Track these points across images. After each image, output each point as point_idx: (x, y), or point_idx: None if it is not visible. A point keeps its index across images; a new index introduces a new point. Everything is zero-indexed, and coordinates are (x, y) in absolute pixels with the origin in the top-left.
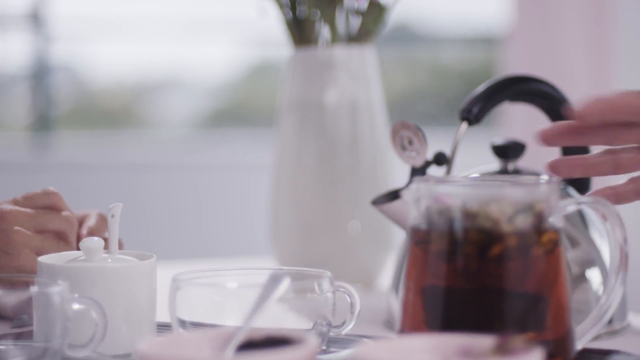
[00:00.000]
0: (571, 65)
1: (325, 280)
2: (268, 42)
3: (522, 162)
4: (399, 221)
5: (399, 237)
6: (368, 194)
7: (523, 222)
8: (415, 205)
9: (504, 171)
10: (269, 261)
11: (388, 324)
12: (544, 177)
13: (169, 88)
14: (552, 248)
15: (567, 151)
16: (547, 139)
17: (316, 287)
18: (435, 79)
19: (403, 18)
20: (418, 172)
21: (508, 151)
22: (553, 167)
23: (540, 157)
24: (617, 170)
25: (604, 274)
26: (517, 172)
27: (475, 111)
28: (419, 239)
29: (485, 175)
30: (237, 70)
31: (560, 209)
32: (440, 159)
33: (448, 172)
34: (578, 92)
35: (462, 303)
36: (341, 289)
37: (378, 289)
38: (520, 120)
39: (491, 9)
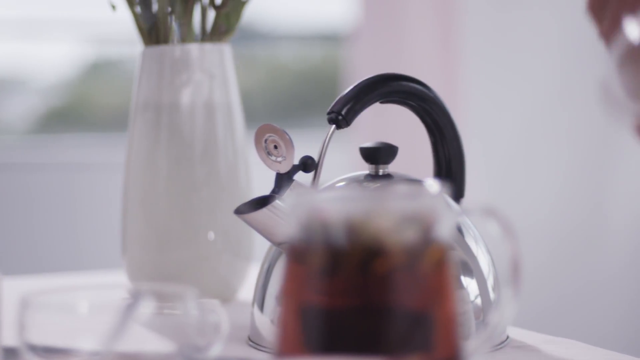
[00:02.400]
0: (419, 62)
1: (190, 299)
2: (111, 40)
3: (393, 166)
4: (264, 231)
5: (261, 248)
6: (227, 201)
7: (409, 235)
8: (293, 217)
9: (374, 176)
10: (121, 276)
11: (252, 341)
12: (430, 186)
13: (6, 88)
14: (440, 262)
15: (437, 153)
16: None
17: (180, 306)
18: (277, 78)
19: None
20: (284, 178)
21: (378, 155)
22: None
23: (412, 160)
24: None
25: (481, 283)
26: (388, 176)
27: (344, 113)
28: (297, 254)
29: (356, 181)
30: (76, 68)
31: (448, 220)
32: (308, 164)
33: (315, 177)
34: None
35: (345, 323)
36: (206, 307)
37: (239, 302)
38: (391, 121)
39: (335, 7)
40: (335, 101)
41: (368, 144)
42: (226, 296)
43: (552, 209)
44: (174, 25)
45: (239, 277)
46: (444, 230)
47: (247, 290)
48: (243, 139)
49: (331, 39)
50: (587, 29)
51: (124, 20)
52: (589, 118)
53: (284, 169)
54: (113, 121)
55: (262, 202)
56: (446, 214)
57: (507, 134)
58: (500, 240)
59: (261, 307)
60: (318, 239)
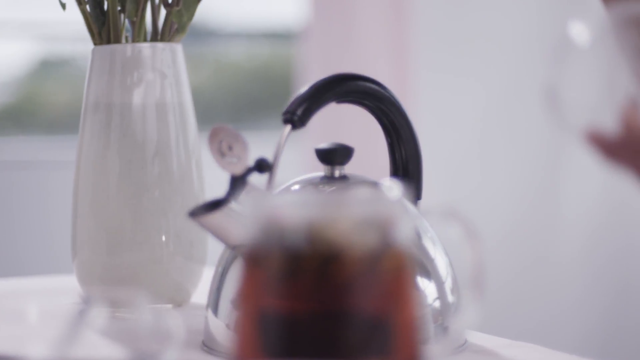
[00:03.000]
0: (370, 61)
1: (143, 303)
2: (62, 37)
3: (350, 168)
4: (218, 234)
5: (215, 251)
6: (179, 203)
7: (368, 239)
8: (251, 221)
9: (330, 178)
10: (72, 280)
11: (206, 346)
12: (389, 189)
13: None
14: (400, 266)
15: (393, 154)
16: None
17: (133, 311)
18: (226, 77)
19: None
20: (238, 180)
21: (334, 156)
22: None
23: (368, 161)
24: None
25: (439, 286)
26: (344, 178)
27: (300, 113)
28: (255, 258)
29: (312, 184)
30: (26, 67)
31: (407, 223)
32: (262, 166)
33: (271, 179)
34: None
35: (303, 328)
36: (160, 312)
37: (193, 306)
38: (347, 122)
39: (286, 5)
40: (290, 101)
41: (323, 145)
42: (179, 300)
43: (506, 210)
44: (125, 24)
45: (192, 280)
46: (403, 234)
47: (200, 294)
48: (195, 139)
49: (282, 37)
50: (539, 29)
51: (76, 18)
52: (540, 117)
53: (239, 170)
54: (63, 120)
55: (216, 205)
56: (405, 217)
57: (458, 133)
58: (461, 243)
59: (215, 311)
60: (276, 243)
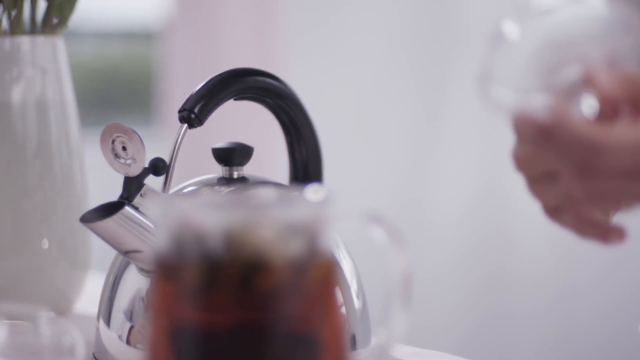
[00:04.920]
0: (237, 57)
1: (43, 319)
2: None
3: (249, 168)
4: (112, 241)
5: (102, 255)
6: (62, 206)
7: (294, 246)
8: (162, 228)
9: (228, 179)
10: None
11: (97, 358)
12: (315, 191)
13: None
14: (327, 276)
15: (293, 154)
16: None
17: (25, 324)
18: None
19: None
20: (134, 182)
21: (232, 156)
22: None
23: (267, 162)
24: None
25: (344, 290)
26: (243, 179)
27: (197, 111)
28: (168, 269)
29: (209, 185)
30: None
31: (333, 228)
32: (158, 167)
33: (167, 181)
34: None
35: (222, 344)
36: (59, 328)
37: (77, 315)
38: (246, 120)
39: (147, 3)
40: (187, 98)
41: (221, 144)
42: (62, 308)
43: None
44: (3, 17)
45: (75, 287)
46: (329, 241)
47: (84, 302)
48: (79, 139)
49: (138, 36)
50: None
51: None
52: (414, 115)
53: (134, 172)
54: None
55: (110, 209)
56: (331, 222)
57: (332, 130)
58: (385, 249)
59: (107, 322)
60: (192, 252)
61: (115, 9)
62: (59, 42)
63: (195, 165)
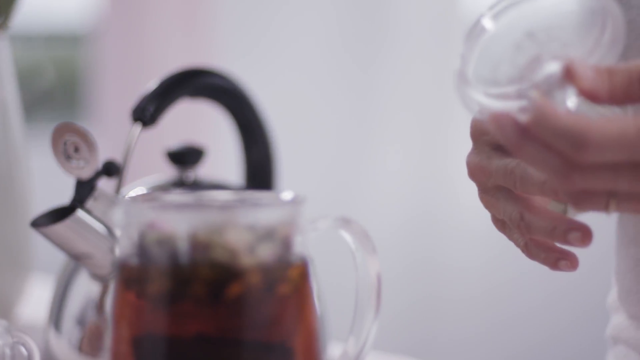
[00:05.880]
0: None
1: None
2: None
3: (202, 170)
4: (64, 245)
5: (46, 259)
6: (4, 208)
7: (267, 252)
8: (124, 233)
9: (181, 181)
10: None
11: None
12: (287, 194)
13: None
14: (301, 284)
15: (247, 155)
16: None
17: None
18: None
19: None
20: (86, 185)
21: (185, 157)
22: None
23: (220, 163)
24: None
25: None
26: (196, 181)
27: (151, 110)
28: (131, 277)
29: (162, 187)
30: None
31: (306, 233)
32: (111, 169)
33: (119, 184)
34: None
35: (190, 356)
36: (17, 341)
37: (20, 319)
38: (199, 120)
39: (73, 6)
40: (140, 98)
41: (174, 145)
42: (2, 312)
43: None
44: None
45: (17, 290)
46: (304, 245)
47: (28, 307)
48: (22, 139)
49: (67, 38)
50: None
51: None
52: (352, 113)
53: (87, 174)
54: None
55: (61, 213)
56: (305, 227)
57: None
58: (356, 254)
59: (58, 328)
60: (156, 259)
61: (40, 11)
62: (1, 42)
63: (142, 167)
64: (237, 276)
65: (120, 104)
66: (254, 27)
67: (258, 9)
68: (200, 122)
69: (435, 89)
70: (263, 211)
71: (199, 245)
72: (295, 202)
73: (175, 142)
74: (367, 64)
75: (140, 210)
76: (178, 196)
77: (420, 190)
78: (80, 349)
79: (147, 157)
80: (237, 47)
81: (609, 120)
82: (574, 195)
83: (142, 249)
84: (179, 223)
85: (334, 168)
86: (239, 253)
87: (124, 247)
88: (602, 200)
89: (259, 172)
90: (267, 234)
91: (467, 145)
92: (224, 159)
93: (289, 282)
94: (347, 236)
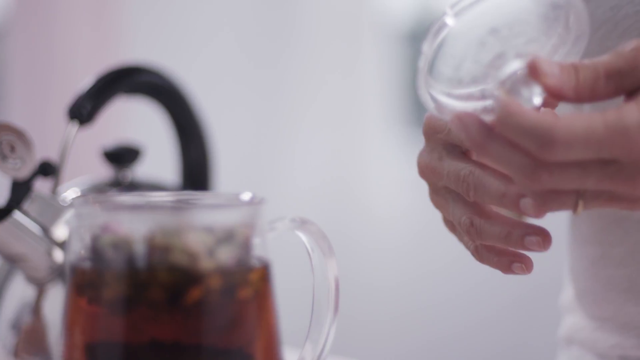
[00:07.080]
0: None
1: None
2: None
3: (139, 169)
4: (1, 249)
5: None
6: None
7: (227, 255)
8: (75, 235)
9: (118, 180)
10: None
11: None
12: (246, 194)
13: None
14: (261, 288)
15: (183, 154)
16: None
17: None
18: None
19: None
20: (22, 186)
21: (122, 157)
22: None
23: (157, 163)
24: None
25: None
26: (133, 181)
27: (88, 108)
28: (83, 281)
29: (99, 187)
30: None
31: (266, 235)
32: (47, 169)
33: (56, 184)
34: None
35: None
36: None
37: None
38: (136, 118)
39: None
40: (76, 96)
41: (111, 144)
42: None
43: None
44: None
45: None
46: (262, 249)
47: None
48: None
49: None
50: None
51: None
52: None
53: (23, 174)
54: None
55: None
56: (265, 229)
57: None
58: (314, 256)
59: None
60: (111, 263)
61: None
62: None
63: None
64: (196, 280)
65: (28, 102)
66: (164, 22)
67: (168, 4)
68: (135, 120)
69: (345, 84)
70: (222, 212)
71: (156, 248)
72: (254, 202)
73: (111, 141)
74: (274, 61)
75: (93, 212)
76: (133, 197)
77: (334, 182)
78: (16, 354)
79: (82, 156)
80: (146, 42)
81: (575, 117)
82: (541, 196)
83: (95, 252)
84: (135, 225)
85: (255, 164)
86: (199, 256)
87: (75, 251)
88: (570, 200)
89: (196, 170)
90: (227, 236)
91: (376, 137)
92: (161, 157)
93: (250, 286)
94: (303, 237)
